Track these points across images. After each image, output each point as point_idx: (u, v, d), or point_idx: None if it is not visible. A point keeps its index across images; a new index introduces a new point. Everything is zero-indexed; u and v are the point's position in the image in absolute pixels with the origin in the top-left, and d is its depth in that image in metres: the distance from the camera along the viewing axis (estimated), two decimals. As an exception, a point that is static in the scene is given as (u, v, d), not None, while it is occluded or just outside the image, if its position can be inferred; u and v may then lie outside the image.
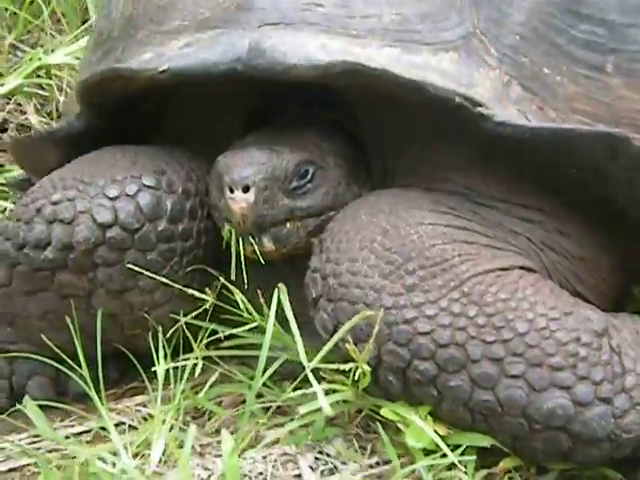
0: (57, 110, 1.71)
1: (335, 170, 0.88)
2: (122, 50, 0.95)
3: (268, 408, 0.84)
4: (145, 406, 0.93)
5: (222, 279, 0.86)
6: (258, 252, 0.83)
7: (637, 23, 0.84)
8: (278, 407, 0.86)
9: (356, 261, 0.78)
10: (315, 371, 0.75)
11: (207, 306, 0.86)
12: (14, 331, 0.94)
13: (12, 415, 0.94)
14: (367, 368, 0.73)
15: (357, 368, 0.73)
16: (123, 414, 0.92)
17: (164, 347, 0.86)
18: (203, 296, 0.85)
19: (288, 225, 0.88)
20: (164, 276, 0.85)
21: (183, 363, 0.85)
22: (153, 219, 0.84)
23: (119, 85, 0.88)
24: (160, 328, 0.87)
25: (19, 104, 1.76)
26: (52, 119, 1.68)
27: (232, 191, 0.82)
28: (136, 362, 0.89)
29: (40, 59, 1.69)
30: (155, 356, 0.87)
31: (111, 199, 0.83)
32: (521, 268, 0.80)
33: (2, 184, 1.57)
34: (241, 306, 0.83)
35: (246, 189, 0.81)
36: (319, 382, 0.74)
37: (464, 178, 0.86)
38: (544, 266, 0.83)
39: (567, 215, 0.88)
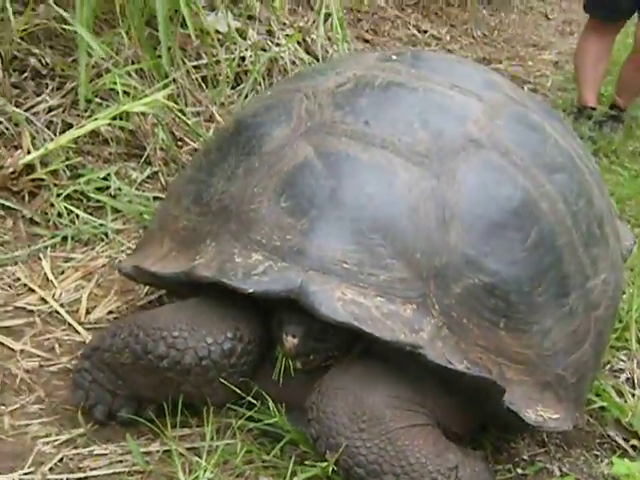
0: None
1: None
2: (214, 242, 1.47)
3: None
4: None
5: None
6: (292, 367, 1.42)
7: (526, 302, 1.45)
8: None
9: (335, 410, 1.38)
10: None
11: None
12: (122, 383, 1.51)
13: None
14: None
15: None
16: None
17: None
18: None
19: (311, 356, 1.43)
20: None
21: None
22: (229, 357, 1.40)
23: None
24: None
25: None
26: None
27: (287, 335, 1.39)
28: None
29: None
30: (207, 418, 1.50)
31: (208, 344, 1.38)
32: (424, 425, 1.43)
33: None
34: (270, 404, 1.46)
35: (294, 336, 1.40)
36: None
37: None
38: (438, 424, 1.45)
39: (457, 410, 1.48)
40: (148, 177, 2.41)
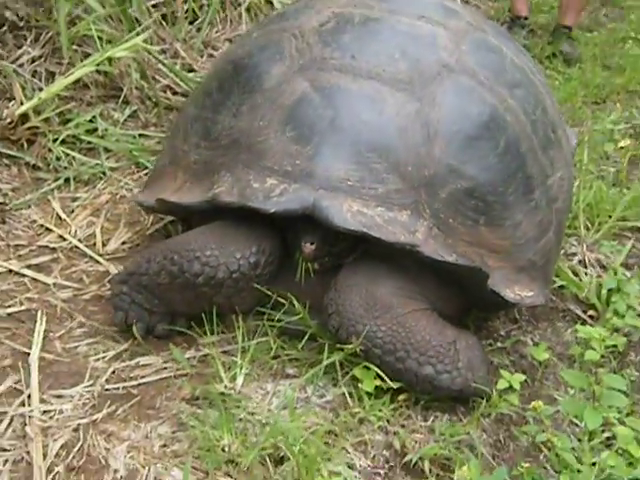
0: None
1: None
2: (224, 169, 1.68)
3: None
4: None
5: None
6: (311, 269, 1.65)
7: (500, 201, 1.70)
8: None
9: (351, 303, 1.63)
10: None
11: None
12: (159, 302, 1.73)
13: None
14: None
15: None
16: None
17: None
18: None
19: (326, 258, 1.66)
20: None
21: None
22: (254, 268, 1.63)
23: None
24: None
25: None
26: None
27: (305, 243, 1.61)
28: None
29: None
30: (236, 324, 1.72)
31: (237, 259, 1.60)
32: (425, 309, 1.69)
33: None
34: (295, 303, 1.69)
35: (312, 244, 1.62)
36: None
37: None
38: (434, 308, 1.72)
39: (449, 296, 1.75)
40: (129, 116, 2.58)
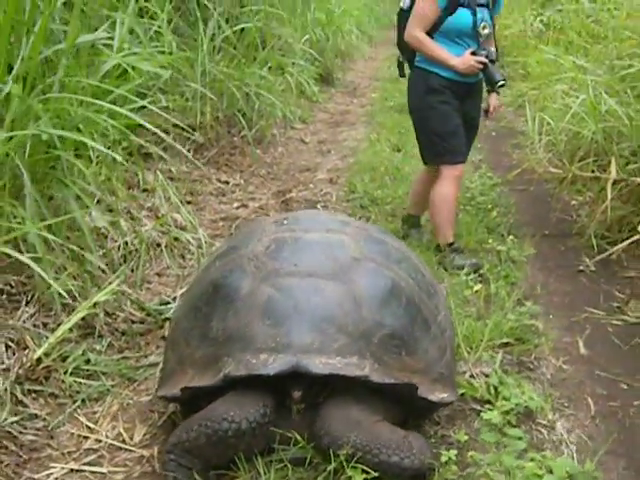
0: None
1: None
2: (228, 357, 2.45)
3: None
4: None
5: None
6: (299, 409, 2.40)
7: (411, 337, 2.57)
8: None
9: (336, 428, 2.39)
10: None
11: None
12: (197, 460, 2.41)
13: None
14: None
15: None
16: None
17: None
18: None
19: (308, 399, 2.45)
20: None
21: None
22: (264, 417, 2.34)
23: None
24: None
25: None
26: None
27: (294, 391, 2.37)
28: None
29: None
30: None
31: (252, 413, 2.32)
32: (381, 420, 2.46)
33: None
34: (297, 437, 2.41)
35: (299, 390, 2.38)
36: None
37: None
38: (385, 419, 2.49)
39: (392, 409, 2.53)
40: (107, 346, 3.29)
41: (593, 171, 4.76)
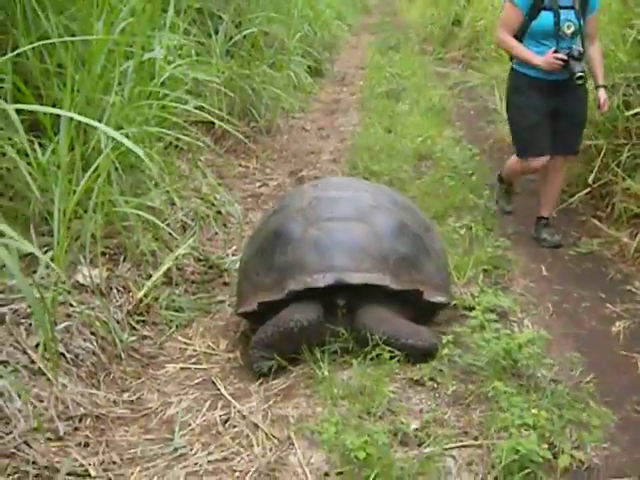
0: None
1: None
2: (290, 279, 3.46)
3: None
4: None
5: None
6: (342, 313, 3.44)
7: (417, 259, 3.61)
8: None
9: (371, 323, 3.42)
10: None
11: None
12: (275, 351, 3.42)
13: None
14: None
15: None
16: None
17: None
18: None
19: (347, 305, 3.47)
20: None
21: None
22: (318, 318, 3.35)
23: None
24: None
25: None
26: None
27: (339, 300, 3.42)
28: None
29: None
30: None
31: (311, 315, 3.32)
32: (399, 317, 3.51)
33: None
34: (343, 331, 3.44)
35: (342, 299, 3.41)
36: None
37: None
38: (401, 316, 3.54)
39: (406, 310, 3.58)
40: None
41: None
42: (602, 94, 4.67)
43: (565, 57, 4.41)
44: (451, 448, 2.83)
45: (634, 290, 4.17)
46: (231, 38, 7.48)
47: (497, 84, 7.67)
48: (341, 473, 2.68)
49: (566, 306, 4.09)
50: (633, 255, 4.61)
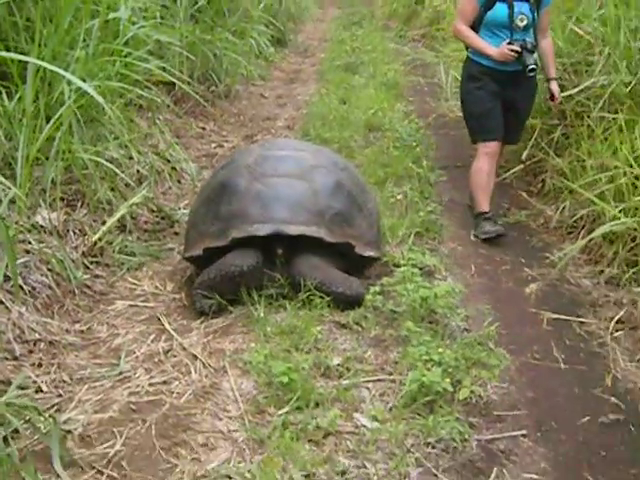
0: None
1: None
2: (233, 227, 3.77)
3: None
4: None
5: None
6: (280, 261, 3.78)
7: (351, 216, 3.94)
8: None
9: (305, 270, 3.76)
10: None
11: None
12: (216, 293, 3.73)
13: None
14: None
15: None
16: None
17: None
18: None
19: (285, 254, 3.85)
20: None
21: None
22: (257, 263, 3.67)
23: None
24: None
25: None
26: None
27: (278, 249, 3.73)
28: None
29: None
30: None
31: (250, 260, 3.62)
32: (332, 266, 3.86)
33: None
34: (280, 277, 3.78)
35: (280, 248, 3.74)
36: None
37: None
38: (334, 267, 3.88)
39: (339, 261, 3.92)
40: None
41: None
42: (554, 86, 4.87)
43: (518, 49, 4.52)
44: (367, 381, 3.19)
45: (551, 257, 4.54)
46: (196, 3, 7.68)
47: (448, 62, 8.03)
48: (267, 397, 3.01)
49: (487, 268, 4.46)
50: (555, 226, 4.99)
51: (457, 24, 4.85)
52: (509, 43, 4.57)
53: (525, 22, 4.61)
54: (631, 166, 4.41)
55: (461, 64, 7.20)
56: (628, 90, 4.96)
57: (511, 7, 4.60)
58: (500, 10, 4.63)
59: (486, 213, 4.85)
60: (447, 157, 6.44)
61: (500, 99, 4.83)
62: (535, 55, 4.66)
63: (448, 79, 6.81)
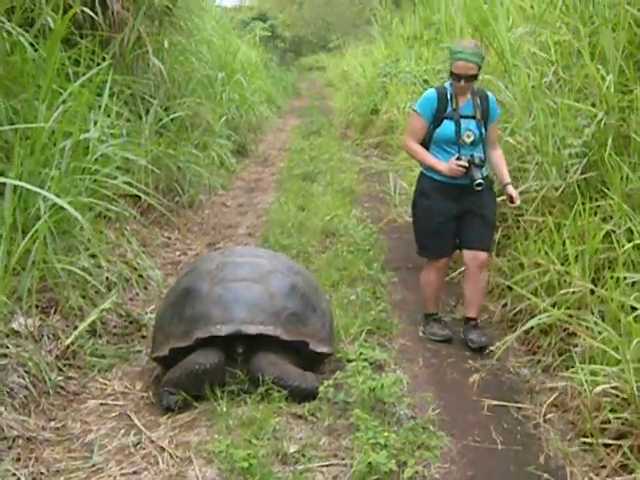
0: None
1: None
2: (197, 329, 4.11)
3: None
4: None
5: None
6: (240, 360, 4.12)
7: (305, 316, 4.32)
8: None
9: (264, 367, 4.09)
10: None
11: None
12: (181, 389, 4.03)
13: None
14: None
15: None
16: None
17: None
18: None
19: (244, 353, 4.17)
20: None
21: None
22: (220, 362, 4.00)
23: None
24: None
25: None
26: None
27: (238, 348, 4.06)
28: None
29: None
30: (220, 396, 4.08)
31: (214, 359, 3.96)
32: (288, 363, 4.19)
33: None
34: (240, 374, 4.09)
35: (241, 347, 4.08)
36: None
37: None
38: (290, 362, 4.21)
39: (294, 358, 4.27)
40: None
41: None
42: (511, 189, 4.87)
43: (466, 164, 4.63)
44: (321, 466, 3.50)
45: (494, 350, 4.91)
46: (160, 120, 8.19)
47: (398, 171, 8.58)
48: (229, 482, 3.31)
49: (434, 361, 4.82)
50: (498, 320, 5.39)
51: (407, 141, 4.96)
52: (457, 158, 4.67)
53: (472, 138, 4.73)
54: (562, 264, 4.84)
55: (409, 172, 7.81)
56: (558, 194, 5.44)
57: (458, 124, 4.72)
58: (447, 127, 4.75)
59: (435, 314, 5.22)
60: (398, 259, 6.85)
61: (455, 214, 4.90)
62: (485, 169, 4.82)
63: (397, 187, 7.30)
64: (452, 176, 4.74)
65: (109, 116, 6.51)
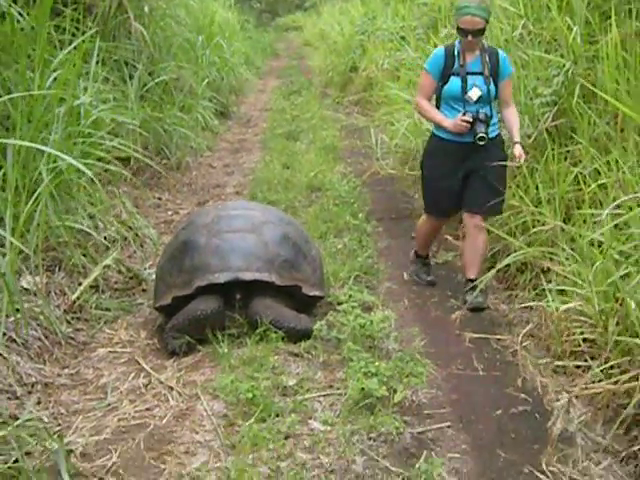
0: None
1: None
2: (196, 278, 4.40)
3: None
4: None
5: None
6: (239, 305, 4.42)
7: (297, 262, 4.61)
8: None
9: (261, 310, 4.40)
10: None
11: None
12: (185, 334, 4.32)
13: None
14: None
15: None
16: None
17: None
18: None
19: (242, 299, 4.47)
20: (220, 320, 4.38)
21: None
22: (219, 308, 4.28)
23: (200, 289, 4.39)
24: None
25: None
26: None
27: (237, 294, 4.38)
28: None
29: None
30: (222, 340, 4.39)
31: (213, 305, 4.25)
32: (284, 305, 4.50)
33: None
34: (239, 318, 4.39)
35: (239, 293, 4.39)
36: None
37: None
38: (286, 306, 4.52)
39: (290, 301, 4.57)
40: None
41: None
42: (517, 148, 4.80)
43: (470, 119, 4.61)
44: (318, 396, 3.81)
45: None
46: (145, 85, 8.40)
47: (378, 126, 8.87)
48: (235, 413, 3.62)
49: (418, 301, 5.14)
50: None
51: (417, 99, 4.96)
52: (463, 114, 4.66)
53: (479, 94, 4.69)
54: (536, 206, 5.15)
55: (389, 126, 8.08)
56: (531, 141, 5.73)
57: (464, 80, 4.70)
58: (454, 84, 4.74)
59: (425, 258, 5.49)
60: (382, 210, 7.15)
61: (461, 174, 4.90)
62: (494, 129, 4.82)
63: (378, 141, 7.60)
64: (458, 132, 4.74)
65: (96, 82, 6.71)
